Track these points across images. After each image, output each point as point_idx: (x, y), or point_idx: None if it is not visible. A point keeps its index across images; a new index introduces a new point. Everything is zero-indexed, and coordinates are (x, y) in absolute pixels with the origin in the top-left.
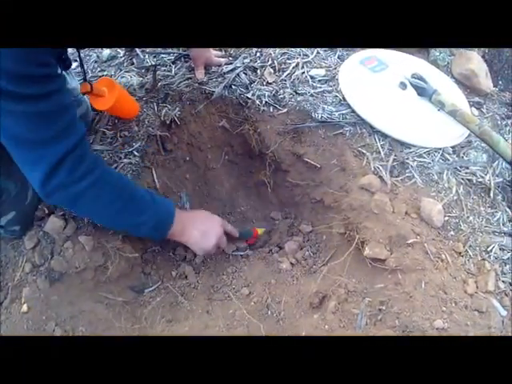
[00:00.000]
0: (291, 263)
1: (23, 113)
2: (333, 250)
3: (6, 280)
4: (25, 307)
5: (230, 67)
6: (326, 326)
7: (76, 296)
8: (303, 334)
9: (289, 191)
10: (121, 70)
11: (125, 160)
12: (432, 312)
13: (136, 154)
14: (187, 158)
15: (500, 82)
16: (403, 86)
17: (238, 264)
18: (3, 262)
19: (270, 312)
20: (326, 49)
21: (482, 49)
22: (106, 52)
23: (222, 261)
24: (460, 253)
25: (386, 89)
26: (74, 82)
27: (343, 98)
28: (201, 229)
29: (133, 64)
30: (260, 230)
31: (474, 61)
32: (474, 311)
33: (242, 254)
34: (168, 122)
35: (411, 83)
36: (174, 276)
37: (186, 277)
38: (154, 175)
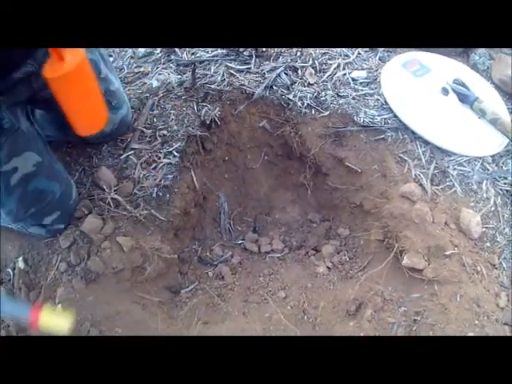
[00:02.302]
0: (328, 267)
1: None
2: (370, 257)
3: (38, 278)
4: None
5: (271, 67)
6: (362, 334)
7: (112, 297)
8: None
9: (328, 194)
10: (158, 67)
11: (164, 160)
12: (465, 325)
13: (176, 154)
14: (226, 158)
15: None
16: (445, 91)
17: (275, 266)
18: (35, 259)
19: (306, 317)
20: (367, 49)
21: None
22: (143, 48)
23: (259, 262)
24: (494, 265)
25: (429, 94)
26: (116, 82)
27: (385, 101)
28: None
29: (170, 61)
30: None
31: None
32: (504, 325)
33: (278, 255)
34: (208, 122)
35: (453, 89)
36: (211, 276)
37: (223, 277)
38: (194, 176)
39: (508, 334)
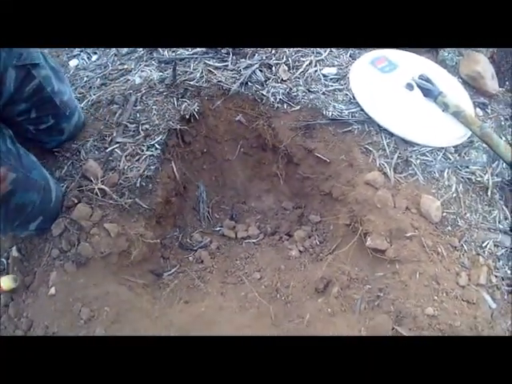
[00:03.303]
0: (300, 251)
1: None
2: (338, 240)
3: (31, 265)
4: (52, 290)
5: (246, 64)
6: (329, 309)
7: (101, 279)
8: (308, 316)
9: (299, 183)
10: (140, 65)
11: (147, 152)
12: (424, 300)
13: (158, 146)
14: (205, 150)
15: (507, 83)
16: (410, 87)
17: (251, 250)
18: (28, 248)
19: (278, 295)
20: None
21: (491, 49)
22: None
23: (236, 247)
24: (455, 247)
25: (394, 89)
26: (68, 91)
27: (353, 96)
28: None
29: (152, 58)
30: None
31: (480, 63)
32: (463, 301)
33: (254, 241)
34: (187, 117)
35: (418, 84)
36: (191, 260)
37: (202, 261)
38: (174, 167)
39: (467, 310)
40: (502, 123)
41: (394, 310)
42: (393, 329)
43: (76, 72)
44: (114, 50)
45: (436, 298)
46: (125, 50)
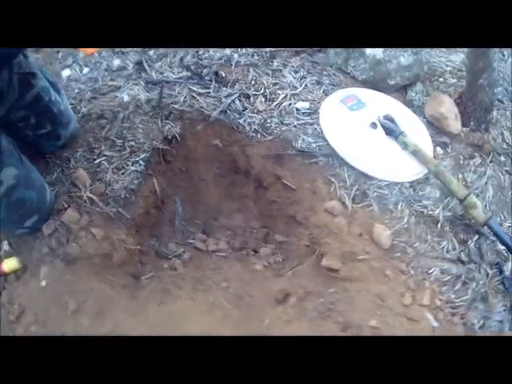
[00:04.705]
0: (264, 265)
1: None
2: (299, 259)
3: (22, 260)
4: (43, 283)
5: (227, 93)
6: (286, 317)
7: (86, 276)
8: (267, 320)
9: (267, 205)
10: (129, 82)
11: (132, 167)
12: (367, 314)
13: (142, 163)
14: (183, 169)
15: (472, 123)
16: (374, 125)
17: (220, 262)
18: (19, 243)
19: (242, 302)
20: (314, 82)
21: (460, 89)
22: (116, 62)
23: (206, 258)
24: (403, 271)
25: (359, 127)
26: (64, 100)
27: (321, 131)
28: None
29: (140, 77)
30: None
31: (445, 104)
32: (405, 318)
33: (223, 254)
34: (170, 138)
35: (381, 123)
36: (166, 267)
37: (176, 269)
38: (155, 182)
39: (407, 325)
40: (461, 162)
41: (341, 321)
42: None
43: (68, 83)
44: (104, 65)
45: (379, 312)
46: (115, 66)
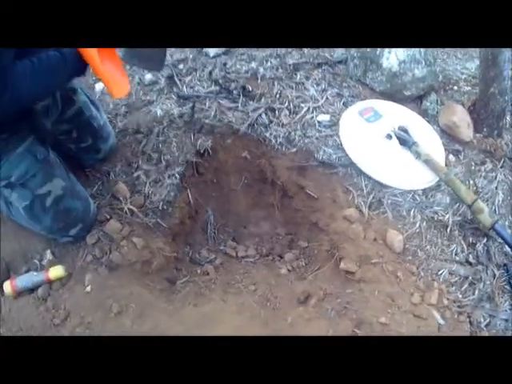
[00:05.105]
0: (288, 270)
1: None
2: (320, 263)
3: (66, 267)
4: (88, 288)
5: (254, 107)
6: (307, 315)
7: (127, 282)
8: (290, 319)
9: (292, 213)
10: (161, 97)
11: (168, 181)
12: (379, 312)
13: (177, 176)
14: (214, 181)
15: (485, 129)
16: (389, 137)
17: (248, 267)
18: (62, 253)
19: (268, 303)
20: (334, 94)
21: (472, 99)
22: (148, 76)
23: (236, 264)
24: (413, 273)
25: (375, 138)
26: (104, 116)
27: (341, 143)
28: None
29: (172, 92)
30: (55, 273)
31: (457, 113)
32: (413, 316)
33: (251, 260)
34: (202, 151)
35: (395, 135)
36: (199, 273)
37: (208, 274)
38: (189, 194)
39: (413, 322)
40: (472, 168)
41: (356, 318)
42: (352, 331)
43: (102, 96)
44: (137, 79)
45: (389, 311)
46: (147, 80)
